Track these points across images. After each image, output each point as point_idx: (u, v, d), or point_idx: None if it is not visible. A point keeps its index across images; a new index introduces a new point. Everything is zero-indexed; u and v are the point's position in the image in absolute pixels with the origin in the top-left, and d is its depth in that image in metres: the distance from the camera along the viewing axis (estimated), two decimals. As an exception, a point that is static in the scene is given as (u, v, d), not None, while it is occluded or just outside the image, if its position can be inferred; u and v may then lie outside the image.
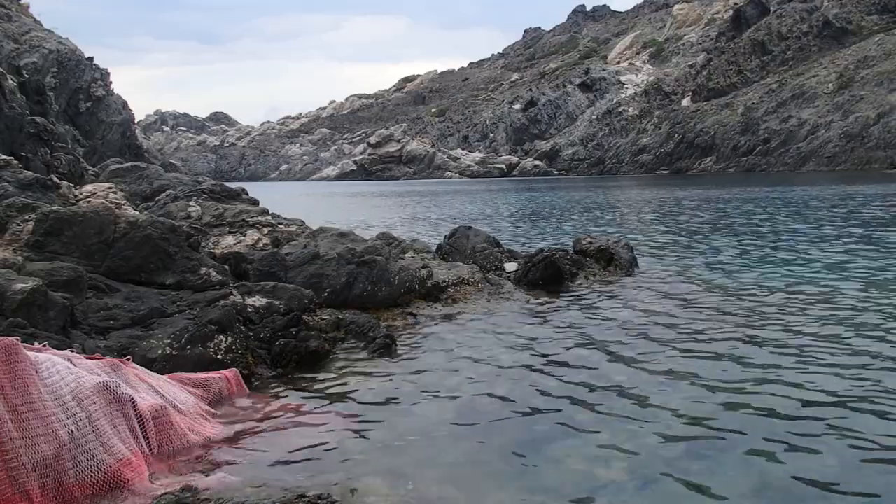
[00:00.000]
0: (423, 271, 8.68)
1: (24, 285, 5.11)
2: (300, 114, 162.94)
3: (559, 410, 4.97)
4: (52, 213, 6.60)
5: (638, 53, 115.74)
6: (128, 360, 4.55)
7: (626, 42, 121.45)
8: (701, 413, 4.81)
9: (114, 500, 3.56)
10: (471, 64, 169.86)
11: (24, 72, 33.00)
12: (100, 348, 5.10)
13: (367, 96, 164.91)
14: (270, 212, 10.23)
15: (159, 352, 5.41)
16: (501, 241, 11.78)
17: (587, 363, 6.08)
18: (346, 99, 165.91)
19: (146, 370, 4.67)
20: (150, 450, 4.00)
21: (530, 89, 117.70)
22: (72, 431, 3.61)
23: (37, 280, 5.29)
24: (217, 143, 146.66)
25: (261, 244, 8.90)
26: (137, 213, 8.41)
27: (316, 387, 5.56)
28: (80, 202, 8.75)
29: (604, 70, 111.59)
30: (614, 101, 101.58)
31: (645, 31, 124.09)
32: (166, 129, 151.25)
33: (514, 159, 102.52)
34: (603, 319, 7.73)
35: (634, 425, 4.64)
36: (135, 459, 3.81)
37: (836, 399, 5.01)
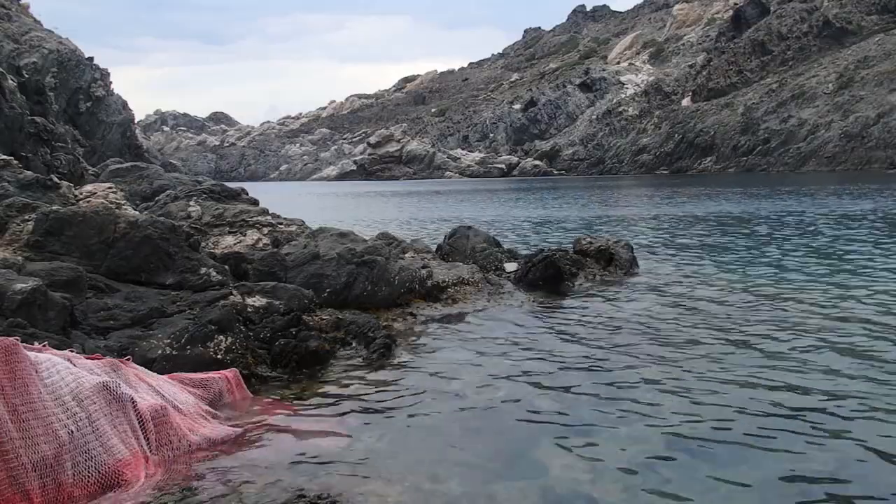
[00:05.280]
0: (423, 271, 8.68)
1: (24, 285, 5.11)
2: (300, 114, 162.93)
3: (559, 411, 4.96)
4: (52, 213, 6.60)
5: (638, 53, 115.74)
6: (128, 360, 4.55)
7: (626, 42, 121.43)
8: (700, 413, 4.80)
9: (114, 501, 3.56)
10: (471, 64, 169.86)
11: (24, 72, 33.01)
12: (100, 348, 5.09)
13: (367, 96, 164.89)
14: (270, 212, 10.22)
15: (159, 352, 5.41)
16: (501, 241, 11.77)
17: (587, 363, 6.07)
18: (346, 99, 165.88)
19: (146, 370, 4.67)
20: (150, 450, 3.99)
21: (530, 89, 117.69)
22: (72, 431, 3.61)
23: (37, 280, 5.29)
24: (217, 143, 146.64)
25: (261, 244, 8.90)
26: (137, 213, 8.41)
27: (316, 387, 5.56)
28: (80, 202, 8.75)
29: (604, 70, 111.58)
30: (614, 101, 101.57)
31: (645, 31, 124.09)
32: (166, 129, 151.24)
33: (514, 159, 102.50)
34: (603, 319, 7.72)
35: (635, 426, 4.64)
36: (134, 460, 3.81)
37: (835, 400, 5.01)
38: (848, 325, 7.09)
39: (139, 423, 3.99)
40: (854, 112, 65.56)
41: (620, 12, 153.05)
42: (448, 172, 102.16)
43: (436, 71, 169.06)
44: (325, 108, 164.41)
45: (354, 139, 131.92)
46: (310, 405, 5.13)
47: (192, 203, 9.93)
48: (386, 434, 4.58)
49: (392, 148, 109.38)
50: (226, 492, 3.72)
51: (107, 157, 33.16)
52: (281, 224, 9.79)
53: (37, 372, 3.63)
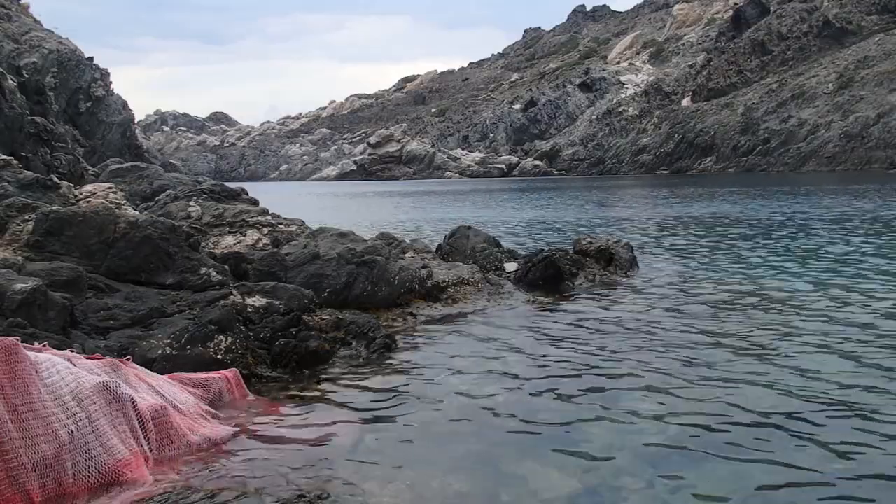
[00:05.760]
0: (423, 271, 8.68)
1: (24, 285, 5.11)
2: (300, 114, 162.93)
3: (558, 411, 4.96)
4: (52, 213, 6.60)
5: (638, 53, 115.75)
6: (128, 360, 4.55)
7: (626, 42, 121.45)
8: (699, 415, 4.80)
9: (113, 501, 3.56)
10: (471, 64, 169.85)
11: (24, 72, 33.03)
12: (100, 348, 5.09)
13: (367, 96, 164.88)
14: (270, 212, 10.22)
15: (159, 352, 5.41)
16: (501, 241, 11.77)
17: (586, 363, 6.07)
18: (346, 99, 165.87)
19: (146, 370, 4.67)
20: (150, 450, 3.99)
21: (530, 89, 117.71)
22: (72, 431, 3.61)
23: (37, 280, 5.29)
24: (217, 143, 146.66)
25: (261, 244, 8.90)
26: (137, 213, 8.41)
27: (316, 387, 5.56)
28: (80, 202, 8.75)
29: (604, 70, 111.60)
30: (614, 101, 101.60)
31: (645, 31, 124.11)
32: (166, 129, 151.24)
33: (514, 159, 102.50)
34: (602, 320, 7.72)
35: (633, 427, 4.64)
36: (135, 459, 3.81)
37: (836, 402, 5.01)
38: (848, 328, 7.08)
39: (139, 423, 3.99)
40: (854, 112, 65.57)
41: (620, 12, 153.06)
42: (448, 172, 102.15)
43: (436, 71, 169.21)
44: (325, 108, 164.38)
45: (354, 139, 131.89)
46: (309, 405, 5.13)
47: (192, 203, 9.94)
48: (385, 434, 4.58)
49: (392, 148, 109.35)
50: (226, 492, 3.72)
51: (107, 157, 33.17)
52: (281, 224, 9.79)
53: (37, 372, 3.63)
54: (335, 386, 5.59)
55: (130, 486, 3.66)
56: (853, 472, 3.92)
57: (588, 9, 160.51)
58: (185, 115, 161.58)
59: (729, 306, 8.18)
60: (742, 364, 5.88)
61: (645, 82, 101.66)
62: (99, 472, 3.62)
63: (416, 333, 7.26)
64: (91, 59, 53.07)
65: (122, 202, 9.24)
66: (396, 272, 8.23)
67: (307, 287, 7.28)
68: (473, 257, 10.35)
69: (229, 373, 5.27)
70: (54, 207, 6.90)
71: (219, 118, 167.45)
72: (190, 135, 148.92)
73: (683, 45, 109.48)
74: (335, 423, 4.79)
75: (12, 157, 9.82)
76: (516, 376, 5.77)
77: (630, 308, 8.27)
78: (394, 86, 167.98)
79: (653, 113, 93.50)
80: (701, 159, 77.92)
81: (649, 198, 35.18)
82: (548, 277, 9.41)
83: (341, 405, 5.13)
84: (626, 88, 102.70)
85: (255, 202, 10.71)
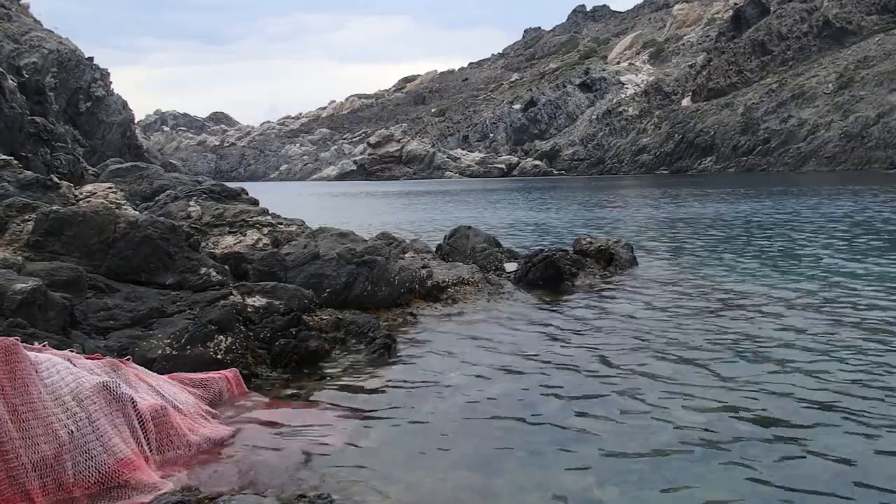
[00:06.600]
0: (423, 271, 8.68)
1: (24, 285, 5.11)
2: (300, 114, 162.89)
3: (558, 411, 4.97)
4: (52, 213, 6.61)
5: (638, 53, 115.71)
6: (128, 360, 4.55)
7: (626, 42, 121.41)
8: (698, 415, 4.81)
9: (113, 501, 3.56)
10: (471, 64, 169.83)
11: (24, 72, 33.02)
12: (100, 348, 5.10)
13: (367, 96, 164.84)
14: (270, 212, 10.23)
15: (159, 352, 5.41)
16: (501, 241, 11.77)
17: (586, 363, 6.08)
18: (346, 99, 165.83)
19: (146, 370, 4.67)
20: (151, 450, 3.99)
21: (530, 89, 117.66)
22: (72, 431, 3.61)
23: (37, 280, 5.29)
24: (217, 143, 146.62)
25: (261, 244, 8.90)
26: (137, 213, 8.41)
27: (316, 387, 5.56)
28: (80, 202, 8.75)
29: (604, 70, 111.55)
30: (614, 101, 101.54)
31: (645, 31, 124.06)
32: (166, 129, 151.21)
33: (514, 159, 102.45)
34: (602, 319, 7.73)
35: (632, 427, 4.64)
36: (135, 459, 3.81)
37: (835, 402, 5.01)
38: (849, 328, 7.09)
39: (139, 423, 3.99)
40: (854, 112, 65.54)
41: (620, 12, 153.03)
42: (448, 172, 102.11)
43: (436, 71, 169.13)
44: (325, 108, 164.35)
45: (354, 139, 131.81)
46: (309, 405, 5.14)
47: (192, 203, 9.94)
48: (385, 433, 4.59)
49: (392, 148, 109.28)
50: (226, 492, 3.72)
51: (107, 157, 33.15)
52: (281, 224, 9.80)
53: (37, 372, 3.63)
54: (335, 386, 5.59)
55: (131, 487, 3.66)
56: (860, 476, 3.93)
57: (588, 9, 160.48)
58: (185, 115, 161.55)
59: (728, 306, 8.18)
60: (742, 364, 5.88)
61: (645, 82, 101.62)
62: (99, 472, 3.62)
63: (416, 333, 7.27)
64: (91, 59, 53.03)
65: (122, 202, 9.24)
66: (396, 272, 8.23)
67: (307, 287, 7.28)
68: (473, 257, 10.35)
69: (229, 373, 5.27)
70: (54, 207, 6.90)
71: (219, 118, 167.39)
72: (190, 135, 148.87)
73: (683, 45, 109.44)
74: (335, 422, 4.79)
75: (12, 157, 9.83)
76: (516, 375, 5.78)
77: (630, 308, 8.27)
78: (394, 86, 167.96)
79: (653, 113, 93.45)
80: (701, 159, 77.87)
81: (649, 198, 35.18)
82: (548, 277, 9.41)
83: (341, 405, 5.13)
84: (626, 88, 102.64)
85: (255, 202, 10.72)
